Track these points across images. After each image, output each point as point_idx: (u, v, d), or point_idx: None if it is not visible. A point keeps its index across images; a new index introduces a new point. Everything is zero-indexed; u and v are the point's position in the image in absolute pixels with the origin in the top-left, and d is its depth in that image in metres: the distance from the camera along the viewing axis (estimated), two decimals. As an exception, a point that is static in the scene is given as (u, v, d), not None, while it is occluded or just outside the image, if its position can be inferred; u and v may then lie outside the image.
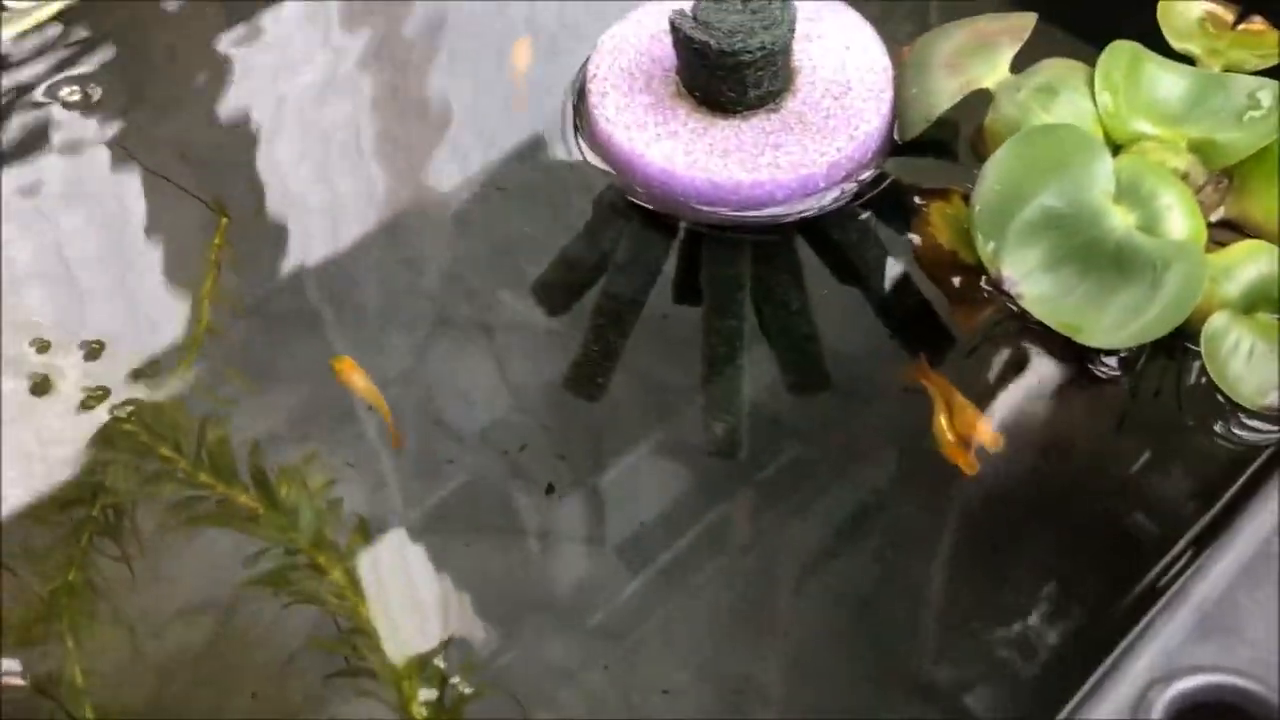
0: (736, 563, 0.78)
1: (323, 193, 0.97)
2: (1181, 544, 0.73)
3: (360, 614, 0.73)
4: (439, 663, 0.73)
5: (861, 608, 0.76)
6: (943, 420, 0.80)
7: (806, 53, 0.93)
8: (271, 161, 0.99)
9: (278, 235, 0.95)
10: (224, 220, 0.92)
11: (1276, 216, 0.85)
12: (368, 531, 0.77)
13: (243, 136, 1.01)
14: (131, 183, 0.98)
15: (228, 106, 1.03)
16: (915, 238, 0.89)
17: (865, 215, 0.93)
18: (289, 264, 0.94)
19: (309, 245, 0.92)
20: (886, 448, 0.84)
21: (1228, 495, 0.75)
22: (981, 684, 0.74)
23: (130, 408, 0.85)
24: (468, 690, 0.72)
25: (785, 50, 0.89)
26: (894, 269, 0.91)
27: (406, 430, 0.84)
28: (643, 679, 0.74)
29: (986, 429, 0.80)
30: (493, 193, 0.96)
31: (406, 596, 0.77)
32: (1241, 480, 0.76)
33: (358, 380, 0.86)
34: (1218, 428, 0.81)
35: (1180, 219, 0.80)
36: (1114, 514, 0.79)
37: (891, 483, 0.82)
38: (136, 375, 0.87)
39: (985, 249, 0.82)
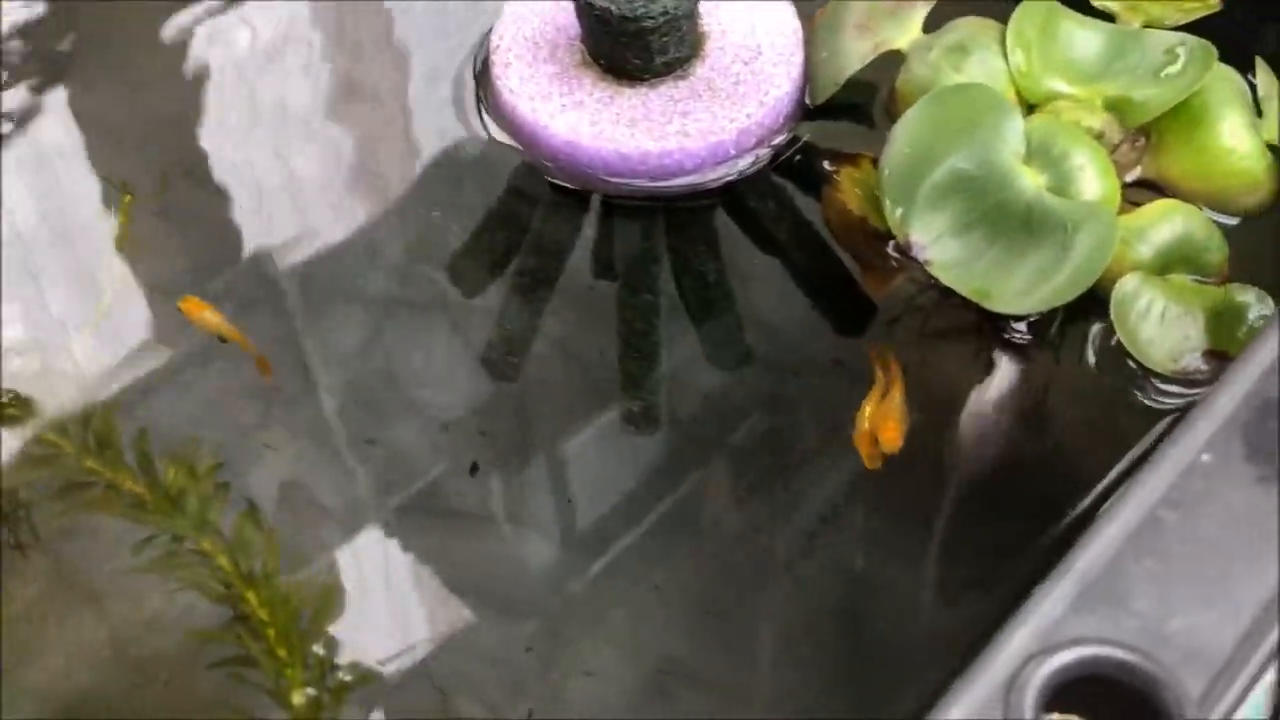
0: (663, 542, 0.77)
1: (237, 172, 0.95)
2: (1081, 514, 0.72)
3: (248, 600, 0.71)
4: (320, 649, 0.71)
5: (791, 587, 0.75)
6: (868, 408, 0.78)
7: (714, 17, 0.91)
8: (184, 140, 0.97)
9: (189, 214, 0.93)
10: (127, 198, 0.89)
11: (1193, 175, 0.82)
12: (256, 516, 0.75)
13: (161, 113, 0.98)
14: (46, 158, 0.95)
15: (149, 81, 1.00)
16: (826, 205, 0.87)
17: (779, 182, 0.91)
18: (198, 242, 0.92)
19: (220, 223, 0.92)
20: (811, 422, 0.82)
21: (1131, 463, 0.74)
22: (888, 662, 0.73)
23: (14, 393, 0.82)
24: (350, 678, 0.70)
25: (690, 15, 0.87)
26: (808, 238, 0.89)
27: (326, 411, 0.82)
28: (566, 661, 0.72)
29: (896, 430, 0.78)
30: (399, 172, 0.94)
31: (319, 581, 0.76)
32: (1146, 448, 0.75)
33: (208, 317, 0.84)
34: (1129, 394, 0.79)
35: (1093, 179, 0.78)
36: (1020, 484, 0.78)
37: (817, 457, 0.80)
38: (29, 357, 0.84)
39: (893, 214, 0.80)
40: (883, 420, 0.78)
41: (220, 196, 0.93)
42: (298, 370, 0.84)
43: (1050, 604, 0.55)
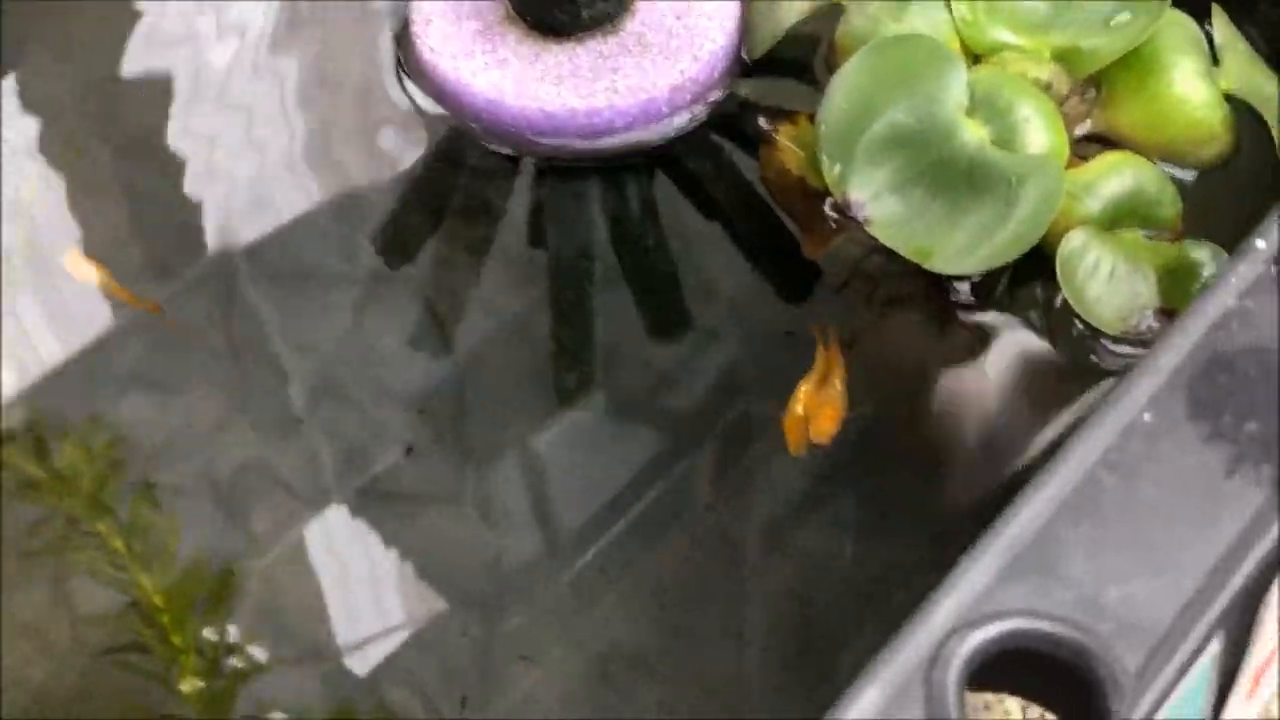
0: (604, 521, 0.74)
1: (149, 137, 0.91)
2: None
3: (141, 586, 0.66)
4: (214, 635, 0.67)
5: (740, 567, 0.72)
6: (803, 390, 0.74)
7: (645, -32, 0.87)
8: (101, 107, 0.92)
9: (94, 179, 0.89)
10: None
11: (1145, 126, 0.79)
12: (154, 497, 0.70)
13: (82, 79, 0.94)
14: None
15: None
16: (764, 164, 0.83)
17: (716, 142, 0.87)
18: (102, 208, 0.88)
19: (131, 189, 0.88)
20: (751, 393, 0.79)
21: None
22: (840, 644, 0.70)
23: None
24: (244, 665, 0.66)
25: (619, -34, 0.83)
26: (747, 199, 0.86)
27: (251, 389, 0.79)
28: (504, 647, 0.70)
29: (831, 420, 0.74)
30: (317, 138, 0.90)
31: (245, 567, 0.72)
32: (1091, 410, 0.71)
33: (93, 272, 0.81)
34: (1077, 356, 0.76)
35: (1039, 132, 0.75)
36: (966, 452, 0.75)
37: (765, 433, 0.76)
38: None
39: (831, 171, 0.77)
40: (818, 407, 0.74)
41: (131, 161, 0.89)
42: (215, 345, 0.81)
43: (976, 574, 0.51)
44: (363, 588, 0.72)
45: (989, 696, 0.50)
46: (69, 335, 0.82)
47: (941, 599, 0.51)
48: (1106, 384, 0.74)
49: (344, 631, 0.71)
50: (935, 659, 0.49)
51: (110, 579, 0.68)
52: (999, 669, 0.51)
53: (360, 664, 0.69)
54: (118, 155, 0.90)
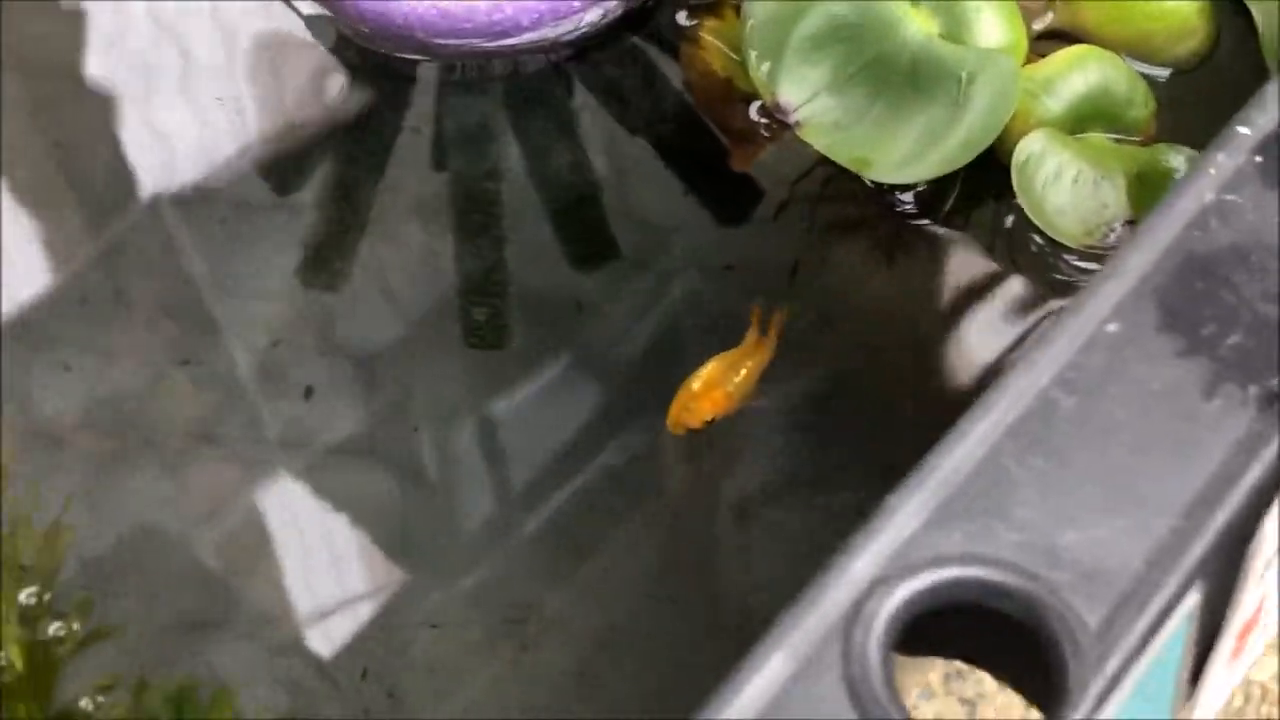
0: (514, 473, 0.68)
1: (28, 46, 0.83)
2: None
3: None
4: (29, 599, 0.58)
5: (665, 519, 0.67)
6: (710, 367, 0.67)
7: None
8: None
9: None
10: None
11: (1113, 19, 0.71)
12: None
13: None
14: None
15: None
16: (686, 65, 0.75)
17: (633, 41, 0.80)
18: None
19: (33, 122, 0.81)
20: (681, 329, 0.73)
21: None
22: (768, 600, 0.64)
23: None
24: (65, 631, 0.57)
25: None
26: (669, 106, 0.79)
27: (133, 327, 0.71)
28: (408, 612, 0.64)
29: (713, 407, 0.66)
30: (189, 47, 0.82)
31: (114, 521, 0.65)
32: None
33: None
34: (1036, 273, 0.70)
35: (993, 24, 0.69)
36: (913, 383, 0.69)
37: (684, 372, 0.68)
38: None
39: (759, 70, 0.69)
40: (712, 388, 0.66)
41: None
42: (97, 280, 0.74)
43: (905, 516, 0.43)
44: (259, 545, 0.66)
45: (961, 664, 0.42)
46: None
47: (863, 545, 0.42)
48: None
49: (228, 596, 0.65)
50: (855, 616, 0.41)
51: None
52: (934, 628, 0.42)
53: (246, 630, 0.64)
54: None
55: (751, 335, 0.68)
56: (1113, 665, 0.41)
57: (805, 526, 0.66)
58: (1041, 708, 0.43)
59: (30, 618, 0.58)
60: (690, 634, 0.63)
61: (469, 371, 0.72)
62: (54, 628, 0.58)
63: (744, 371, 0.66)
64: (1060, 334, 0.47)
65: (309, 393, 0.70)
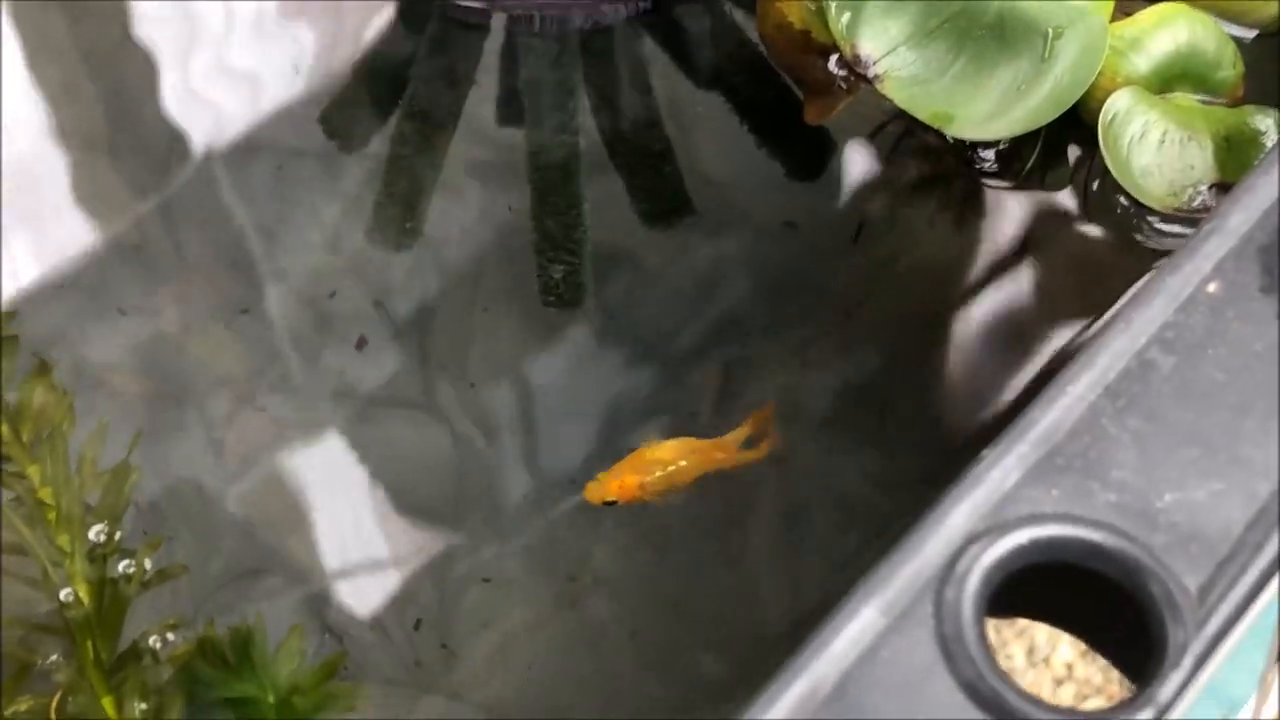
0: (577, 431, 0.67)
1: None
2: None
3: (27, 477, 0.57)
4: (99, 536, 0.57)
5: (729, 481, 0.64)
6: (659, 448, 0.63)
7: None
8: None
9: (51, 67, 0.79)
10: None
11: (1203, -23, 0.69)
12: (49, 374, 0.61)
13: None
14: None
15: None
16: (761, 18, 0.73)
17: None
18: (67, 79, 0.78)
19: (87, 71, 0.79)
20: (750, 286, 0.71)
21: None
22: (833, 562, 0.63)
23: None
24: (135, 568, 0.57)
25: None
26: (743, 59, 0.77)
27: (189, 275, 0.71)
28: (462, 566, 0.63)
29: (640, 491, 0.62)
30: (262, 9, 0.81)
31: (166, 468, 0.64)
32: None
33: None
34: (1120, 235, 0.68)
35: None
36: (992, 346, 0.67)
37: (761, 336, 0.69)
38: None
39: (838, 22, 0.67)
40: (635, 479, 0.62)
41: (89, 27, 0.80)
42: (160, 226, 0.73)
43: (1001, 472, 0.41)
44: (309, 495, 0.66)
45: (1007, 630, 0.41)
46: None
47: (957, 500, 0.41)
48: (1148, 267, 0.65)
49: (281, 544, 0.64)
50: (949, 572, 0.40)
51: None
52: (1026, 588, 0.41)
53: (300, 580, 0.63)
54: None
55: (737, 435, 0.64)
56: (1213, 629, 0.40)
57: (866, 491, 0.65)
58: (1132, 676, 0.42)
59: (98, 556, 0.57)
60: (746, 595, 0.63)
61: (531, 329, 0.70)
62: (123, 565, 0.58)
63: (683, 465, 0.62)
64: (1158, 292, 0.46)
65: (362, 343, 0.69)
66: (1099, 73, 0.66)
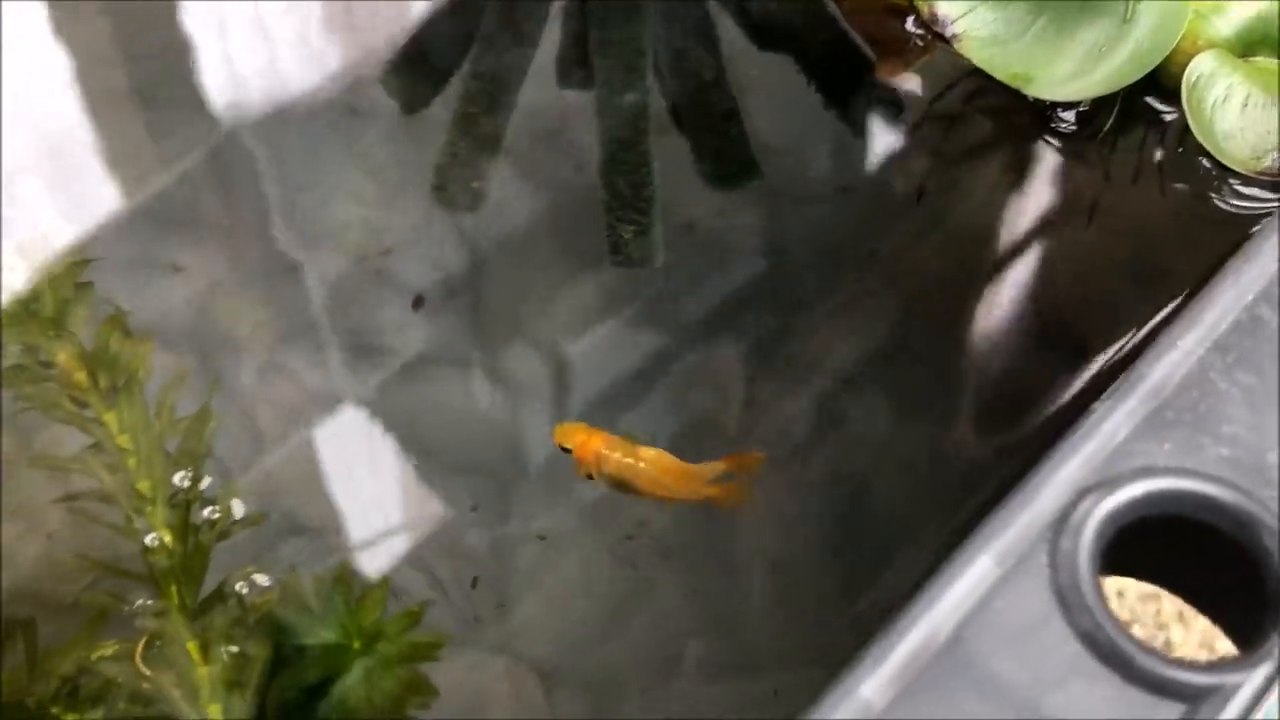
0: (641, 392, 0.66)
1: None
2: (1149, 332, 0.59)
3: (106, 424, 0.57)
4: (184, 481, 0.57)
5: (788, 444, 0.64)
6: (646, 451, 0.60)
7: None
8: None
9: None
10: None
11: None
12: (124, 323, 0.61)
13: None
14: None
15: None
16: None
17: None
18: (112, 34, 0.78)
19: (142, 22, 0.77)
20: (816, 254, 0.70)
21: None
22: (895, 527, 0.62)
23: None
24: (221, 515, 0.56)
25: None
26: (815, 17, 0.76)
27: (243, 229, 0.70)
28: (518, 523, 0.62)
29: (579, 452, 0.61)
30: None
31: (234, 423, 0.64)
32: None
33: None
34: (1203, 198, 0.67)
35: None
36: (1073, 309, 0.66)
37: (818, 296, 0.68)
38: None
39: (917, -19, 0.66)
40: (612, 452, 0.60)
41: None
42: (215, 183, 0.72)
43: (1113, 424, 0.41)
44: (358, 448, 0.65)
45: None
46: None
47: (1070, 451, 0.41)
48: (1237, 231, 0.65)
49: (336, 498, 0.63)
50: (1064, 523, 0.40)
51: (71, 417, 0.59)
52: (1137, 541, 0.41)
53: (354, 537, 0.62)
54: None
55: (711, 468, 0.60)
56: (1328, 584, 0.39)
57: (932, 454, 0.64)
58: (1235, 635, 0.42)
59: (180, 502, 0.57)
60: (806, 558, 0.62)
61: (602, 288, 0.69)
62: (207, 511, 0.57)
63: (642, 469, 0.59)
64: (1266, 249, 0.45)
65: (418, 303, 0.68)
66: (1181, 35, 0.65)
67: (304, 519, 0.63)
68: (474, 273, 0.70)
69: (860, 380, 0.66)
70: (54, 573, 0.60)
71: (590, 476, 0.60)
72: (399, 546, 0.62)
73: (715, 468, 0.59)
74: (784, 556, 0.62)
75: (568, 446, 0.60)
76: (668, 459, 0.59)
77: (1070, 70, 0.66)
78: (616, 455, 0.59)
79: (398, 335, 0.67)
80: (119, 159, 0.73)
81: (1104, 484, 0.40)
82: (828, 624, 0.61)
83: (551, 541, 0.62)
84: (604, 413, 0.65)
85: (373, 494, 0.63)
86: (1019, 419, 0.63)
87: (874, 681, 0.38)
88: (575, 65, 0.76)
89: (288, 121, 0.74)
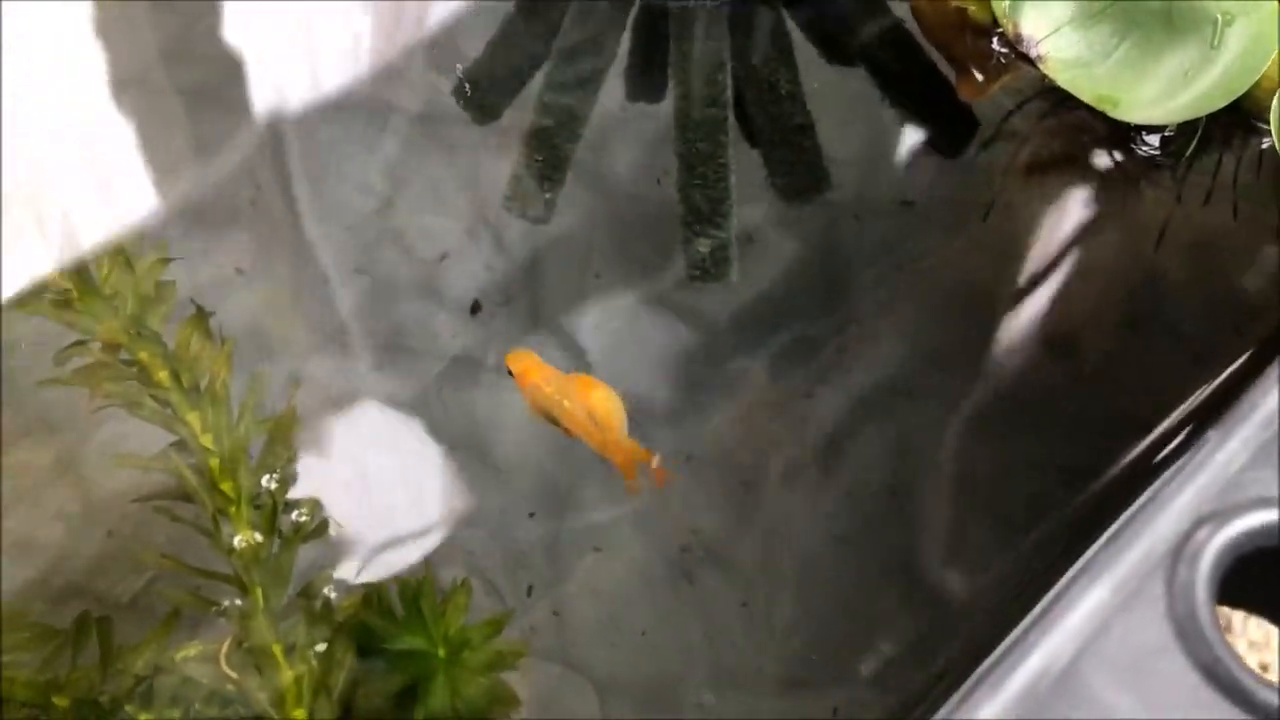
0: (699, 406, 0.65)
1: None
2: (1241, 372, 0.58)
3: (187, 424, 0.57)
4: (271, 483, 0.57)
5: (841, 459, 0.63)
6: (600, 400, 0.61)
7: None
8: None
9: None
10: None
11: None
12: (205, 323, 0.60)
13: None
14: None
15: None
16: (915, -8, 0.73)
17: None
18: (171, 30, 0.78)
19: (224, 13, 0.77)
20: (887, 270, 0.69)
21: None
22: (950, 547, 0.62)
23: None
24: (308, 518, 0.56)
25: None
26: (894, 35, 0.76)
27: (309, 234, 0.70)
28: (574, 532, 0.62)
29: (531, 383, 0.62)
30: None
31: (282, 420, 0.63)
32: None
33: None
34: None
35: None
36: (1156, 339, 0.66)
37: (861, 316, 0.67)
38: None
39: (1001, 1, 0.65)
40: (550, 388, 0.61)
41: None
42: (280, 185, 0.72)
43: (1226, 455, 0.41)
44: (417, 453, 0.65)
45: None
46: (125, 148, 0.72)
47: (1184, 482, 0.41)
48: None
49: (394, 503, 0.63)
50: (1180, 552, 0.39)
51: (149, 413, 0.59)
52: (1252, 573, 0.41)
53: (411, 542, 0.62)
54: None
55: (635, 446, 0.61)
56: None
57: (986, 473, 0.63)
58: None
59: (266, 503, 0.56)
60: (858, 575, 0.62)
61: (645, 299, 0.69)
62: (295, 515, 0.57)
63: (570, 410, 0.60)
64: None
65: (476, 308, 0.68)
66: (1269, 61, 0.65)
67: (361, 524, 0.62)
68: (531, 279, 0.69)
69: (919, 395, 0.65)
70: (113, 569, 0.60)
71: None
72: (456, 553, 0.62)
73: (636, 448, 0.60)
74: (839, 573, 0.61)
75: (509, 372, 0.61)
76: (613, 416, 0.60)
77: (1156, 94, 0.65)
78: (548, 390, 0.60)
79: (453, 340, 0.67)
80: (182, 158, 0.73)
81: (1220, 514, 0.40)
82: (887, 643, 0.60)
83: (607, 552, 0.62)
84: (659, 422, 0.65)
85: (428, 500, 0.63)
86: (1081, 441, 0.63)
87: (989, 709, 0.37)
88: (643, 77, 0.75)
89: (357, 125, 0.74)
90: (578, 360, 0.66)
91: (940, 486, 0.63)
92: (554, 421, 0.60)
